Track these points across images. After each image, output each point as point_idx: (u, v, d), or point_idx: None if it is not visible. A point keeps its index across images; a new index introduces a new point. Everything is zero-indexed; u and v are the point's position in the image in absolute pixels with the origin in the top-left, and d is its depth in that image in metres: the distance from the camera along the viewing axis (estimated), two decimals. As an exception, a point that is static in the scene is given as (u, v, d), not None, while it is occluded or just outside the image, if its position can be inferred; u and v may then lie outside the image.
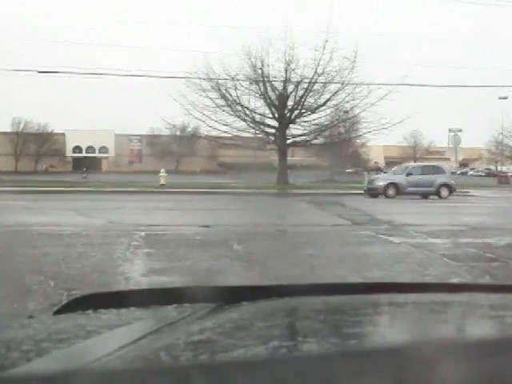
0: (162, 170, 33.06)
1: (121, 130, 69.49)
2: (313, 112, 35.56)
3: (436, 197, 28.17)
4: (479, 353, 0.85)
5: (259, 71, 34.38)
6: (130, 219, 12.91)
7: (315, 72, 33.87)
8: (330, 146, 48.63)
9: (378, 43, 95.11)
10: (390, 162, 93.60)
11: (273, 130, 35.94)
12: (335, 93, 34.55)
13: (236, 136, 35.40)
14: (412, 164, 33.63)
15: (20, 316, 1.94)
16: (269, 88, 34.91)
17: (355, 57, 33.76)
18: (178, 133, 62.87)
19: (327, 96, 34.96)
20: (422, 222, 13.69)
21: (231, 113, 35.09)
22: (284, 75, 34.34)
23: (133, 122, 62.60)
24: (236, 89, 34.85)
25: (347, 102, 34.73)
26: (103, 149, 74.50)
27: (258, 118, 35.60)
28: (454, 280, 5.79)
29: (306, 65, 34.12)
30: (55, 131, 71.17)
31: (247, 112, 35.23)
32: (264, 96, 35.04)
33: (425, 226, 12.44)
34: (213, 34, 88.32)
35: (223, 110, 34.96)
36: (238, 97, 34.99)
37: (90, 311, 1.49)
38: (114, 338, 1.20)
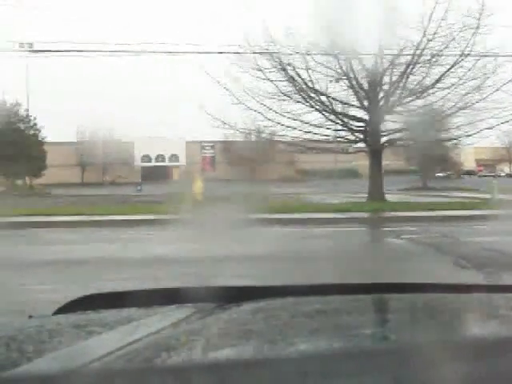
0: (198, 179, 20.74)
1: (192, 136, 60.88)
2: (418, 97, 22.37)
3: None
4: (479, 353, 0.83)
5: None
6: None
7: (424, 35, 20.80)
8: (423, 146, 36.88)
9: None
10: (482, 165, 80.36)
11: (361, 125, 22.98)
12: (452, 66, 21.41)
13: (315, 134, 22.46)
14: None
15: (20, 316, 1.57)
16: (355, 64, 22.14)
17: (481, 13, 20.66)
18: (253, 138, 55.11)
19: (436, 75, 21.90)
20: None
21: (302, 102, 22.56)
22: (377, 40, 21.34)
23: (205, 127, 53.04)
24: (308, 68, 22.33)
25: (467, 80, 21.49)
26: (174, 157, 65.24)
27: (339, 108, 22.79)
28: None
29: (408, 25, 21.02)
30: (123, 140, 61.91)
31: (324, 100, 22.59)
32: (348, 77, 22.31)
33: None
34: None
35: (290, 98, 22.45)
36: (310, 80, 22.46)
37: (89, 311, 1.44)
38: (114, 337, 1.13)
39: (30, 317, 1.50)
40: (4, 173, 44.75)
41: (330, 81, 22.51)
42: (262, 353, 0.96)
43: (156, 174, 59.25)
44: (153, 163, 64.72)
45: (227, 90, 21.75)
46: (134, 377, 0.81)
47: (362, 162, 59.34)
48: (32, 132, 46.30)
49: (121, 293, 1.64)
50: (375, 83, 22.07)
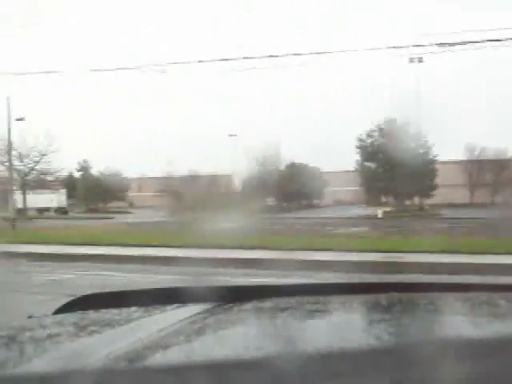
0: None
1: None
2: None
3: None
4: (479, 353, 0.82)
5: None
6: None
7: None
8: None
9: None
10: None
11: None
12: None
13: None
14: None
15: (20, 316, 1.48)
16: None
17: None
18: None
19: None
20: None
21: None
22: None
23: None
24: None
25: None
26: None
27: None
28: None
29: None
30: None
31: None
32: None
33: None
34: None
35: None
36: None
37: (90, 311, 1.42)
38: (114, 337, 1.12)
39: (30, 317, 1.44)
40: (393, 193, 43.67)
41: None
42: (261, 353, 0.93)
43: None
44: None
45: None
46: (134, 377, 0.80)
47: None
48: (423, 150, 44.51)
49: (121, 292, 1.59)
50: None
